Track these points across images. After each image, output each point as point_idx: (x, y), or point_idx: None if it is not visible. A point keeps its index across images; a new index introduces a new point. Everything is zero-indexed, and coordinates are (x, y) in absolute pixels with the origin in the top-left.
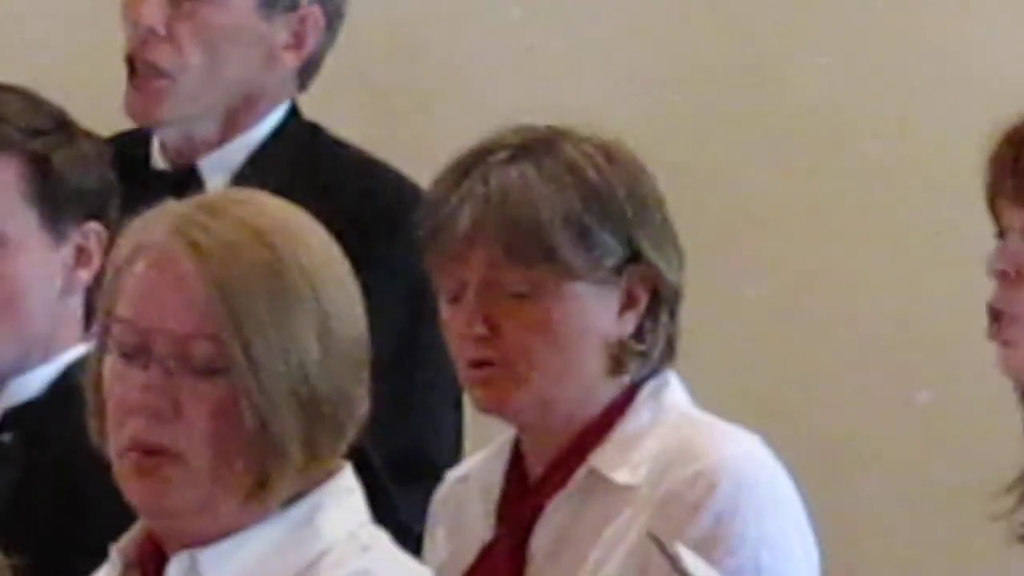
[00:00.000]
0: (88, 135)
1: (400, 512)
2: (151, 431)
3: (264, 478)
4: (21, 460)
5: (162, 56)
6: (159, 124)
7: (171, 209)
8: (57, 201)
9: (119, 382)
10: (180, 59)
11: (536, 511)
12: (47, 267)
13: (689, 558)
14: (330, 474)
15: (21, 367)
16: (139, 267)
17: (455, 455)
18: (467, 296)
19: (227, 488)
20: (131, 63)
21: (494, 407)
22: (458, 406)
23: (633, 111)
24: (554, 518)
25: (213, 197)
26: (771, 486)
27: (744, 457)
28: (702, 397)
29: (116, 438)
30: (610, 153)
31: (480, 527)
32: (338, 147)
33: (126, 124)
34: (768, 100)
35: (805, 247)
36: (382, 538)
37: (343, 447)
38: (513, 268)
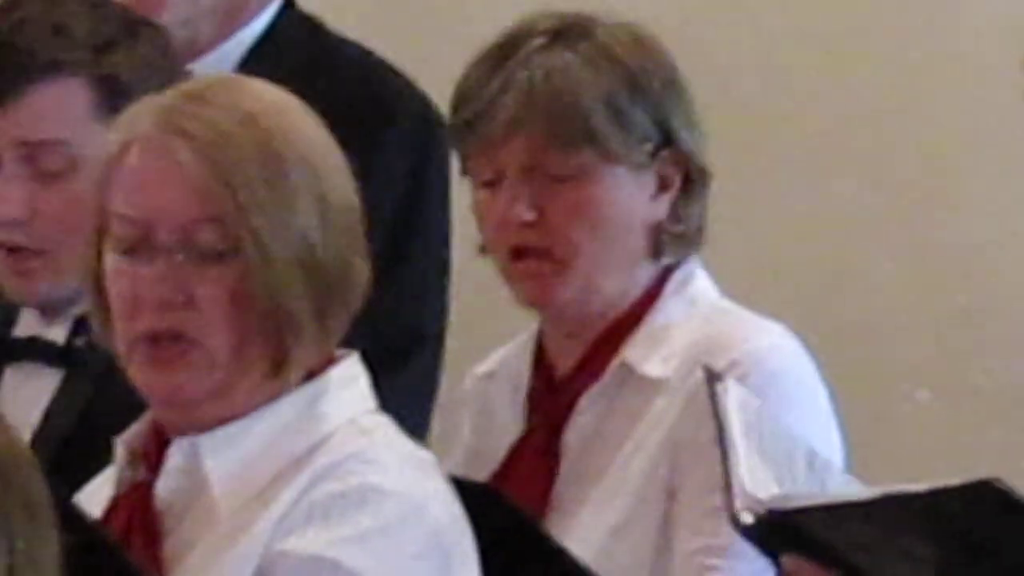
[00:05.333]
0: (148, 26)
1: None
2: (165, 320)
3: (283, 355)
4: (96, 364)
5: None
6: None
7: (155, 101)
8: None
9: (123, 278)
10: None
11: (568, 406)
12: None
13: (733, 402)
14: (335, 360)
15: None
16: (131, 160)
17: (442, 329)
18: (507, 181)
19: (247, 370)
20: None
21: (539, 301)
22: (444, 289)
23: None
24: (587, 412)
25: (196, 85)
26: (799, 376)
27: (773, 348)
28: (729, 281)
29: (126, 333)
30: (639, 37)
31: (510, 422)
32: (337, 42)
33: None
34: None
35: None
36: (384, 423)
37: (350, 315)
38: (557, 152)
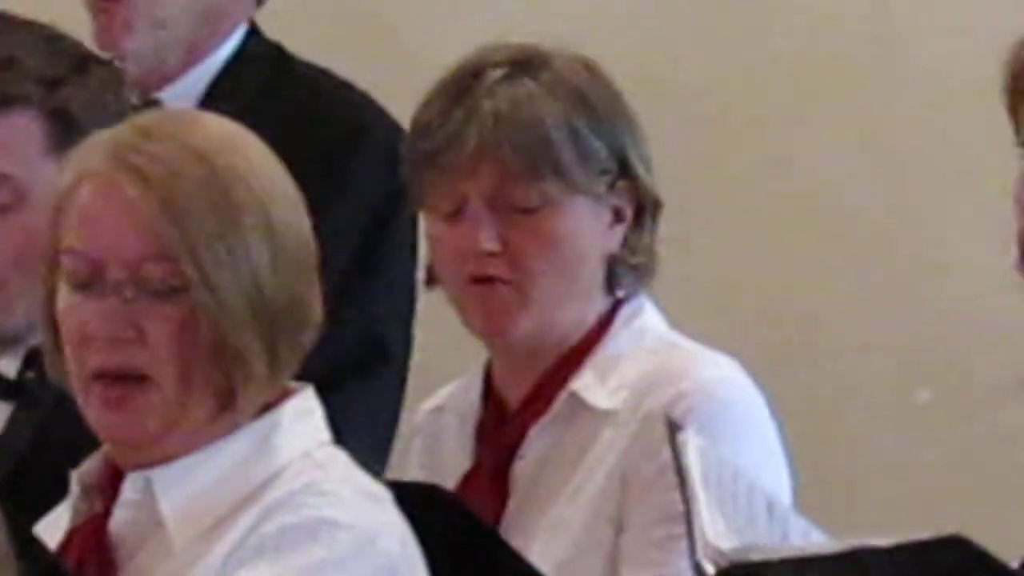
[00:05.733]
0: (100, 62)
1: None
2: (115, 356)
3: (230, 393)
4: (46, 397)
5: None
6: (128, 54)
7: (107, 136)
8: None
9: (75, 313)
10: None
11: (517, 438)
12: None
13: (694, 450)
14: (289, 394)
15: None
16: (82, 196)
17: (407, 351)
18: (470, 213)
19: (194, 406)
20: None
21: (496, 328)
22: (411, 312)
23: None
24: (536, 445)
25: (148, 119)
26: (747, 408)
27: (722, 379)
28: (679, 314)
29: (79, 369)
30: (591, 67)
31: (458, 456)
32: (302, 68)
33: None
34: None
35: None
36: (339, 457)
37: (302, 353)
38: (522, 182)
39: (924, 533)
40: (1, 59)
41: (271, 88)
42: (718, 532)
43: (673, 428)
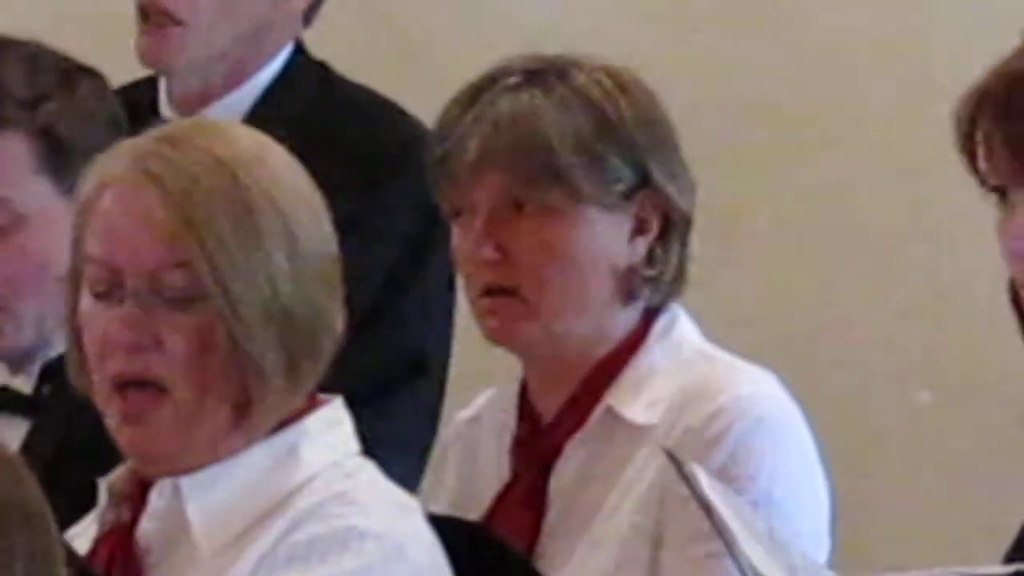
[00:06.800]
0: (88, 74)
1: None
2: (134, 363)
3: (246, 403)
4: (62, 411)
5: (174, 2)
6: (174, 71)
7: (132, 143)
8: (69, 166)
9: (95, 320)
10: (191, 4)
11: (554, 452)
12: (69, 230)
13: (705, 480)
14: (318, 404)
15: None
16: (103, 203)
17: (445, 359)
18: (476, 220)
19: (209, 417)
20: (143, 11)
21: (504, 338)
22: (448, 323)
23: (641, 39)
24: (573, 459)
25: (174, 128)
26: (785, 425)
27: (759, 395)
28: (713, 326)
29: (99, 378)
30: (621, 80)
31: (495, 467)
32: (347, 88)
33: (136, 69)
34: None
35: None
36: (367, 467)
37: (323, 365)
38: (523, 190)
39: None
40: None
41: (316, 108)
42: (763, 562)
43: (677, 462)
